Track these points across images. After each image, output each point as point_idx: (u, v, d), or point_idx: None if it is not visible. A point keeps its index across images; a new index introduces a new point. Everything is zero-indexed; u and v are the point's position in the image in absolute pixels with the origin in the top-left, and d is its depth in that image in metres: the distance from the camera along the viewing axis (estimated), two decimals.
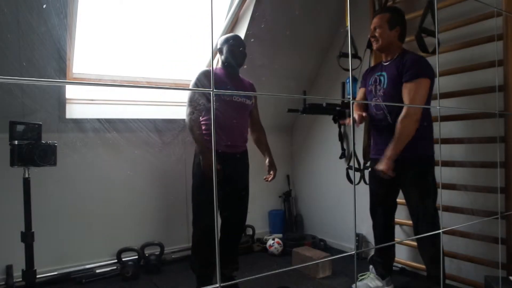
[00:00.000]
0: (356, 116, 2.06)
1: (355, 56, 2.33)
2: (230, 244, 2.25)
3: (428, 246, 1.97)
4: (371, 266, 2.26)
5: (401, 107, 1.89)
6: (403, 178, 1.99)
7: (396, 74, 1.93)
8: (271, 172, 2.29)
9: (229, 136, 2.12)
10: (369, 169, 2.23)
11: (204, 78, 2.10)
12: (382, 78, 2.02)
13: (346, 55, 2.30)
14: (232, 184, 2.16)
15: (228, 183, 2.11)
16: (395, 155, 1.86)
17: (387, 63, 2.04)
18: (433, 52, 2.00)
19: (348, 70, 2.31)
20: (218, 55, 2.24)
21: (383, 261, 2.20)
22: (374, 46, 2.04)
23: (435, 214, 1.91)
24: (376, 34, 1.98)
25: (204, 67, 2.22)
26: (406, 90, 1.87)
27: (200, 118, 2.14)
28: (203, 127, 2.14)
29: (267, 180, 2.28)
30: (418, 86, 1.84)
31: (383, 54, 2.07)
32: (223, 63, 2.20)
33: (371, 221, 2.24)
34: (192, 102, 2.10)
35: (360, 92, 2.26)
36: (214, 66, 2.23)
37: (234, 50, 2.17)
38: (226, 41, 2.19)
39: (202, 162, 2.05)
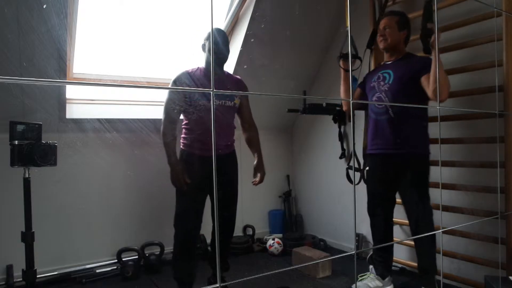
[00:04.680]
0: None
1: (355, 56, 2.33)
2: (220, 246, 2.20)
3: (423, 242, 2.02)
4: (371, 266, 2.27)
5: (405, 102, 1.99)
6: (400, 176, 2.05)
7: (405, 71, 2.01)
8: (258, 175, 2.17)
9: (208, 140, 2.04)
10: (367, 168, 2.24)
11: (183, 81, 2.01)
12: (387, 75, 2.09)
13: (347, 56, 2.29)
14: (218, 186, 2.13)
15: (212, 186, 2.08)
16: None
17: (390, 62, 2.12)
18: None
19: (349, 70, 2.32)
20: (202, 53, 2.13)
21: (383, 261, 2.21)
22: (382, 45, 2.11)
23: (430, 211, 1.99)
24: (386, 34, 2.07)
25: (186, 68, 2.10)
26: (428, 78, 1.93)
27: (183, 122, 2.08)
28: (184, 131, 2.09)
29: (254, 184, 2.17)
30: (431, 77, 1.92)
31: (387, 54, 2.14)
32: (206, 61, 2.10)
33: (370, 220, 2.24)
34: (169, 107, 2.00)
35: (356, 90, 2.31)
36: (197, 66, 2.13)
37: (218, 46, 2.05)
38: (209, 36, 2.09)
39: (170, 173, 2.01)
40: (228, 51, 2.14)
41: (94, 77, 2.73)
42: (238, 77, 2.26)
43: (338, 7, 2.89)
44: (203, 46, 2.11)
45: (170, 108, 2.01)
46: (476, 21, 2.05)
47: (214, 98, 1.98)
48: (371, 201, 2.21)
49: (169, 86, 2.18)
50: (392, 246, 2.28)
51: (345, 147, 3.04)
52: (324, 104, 2.93)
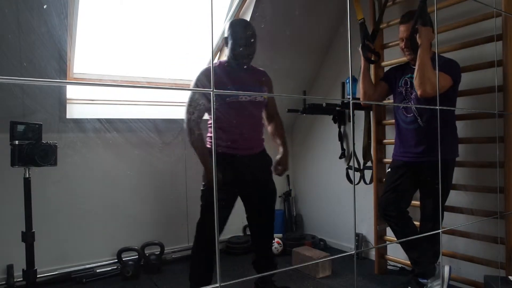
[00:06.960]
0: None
1: (374, 51, 2.28)
2: (260, 247, 2.19)
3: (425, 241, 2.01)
4: (422, 280, 2.09)
5: (433, 111, 1.93)
6: (424, 180, 2.04)
7: None
8: (279, 168, 2.06)
9: (240, 138, 1.98)
10: (389, 169, 2.23)
11: (204, 77, 1.92)
12: (413, 80, 2.04)
13: (367, 47, 2.24)
14: (251, 185, 2.05)
15: (246, 185, 2.02)
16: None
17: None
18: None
19: (373, 62, 2.28)
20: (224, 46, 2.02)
21: (424, 261, 2.06)
22: (408, 57, 2.06)
23: (442, 215, 1.99)
24: (409, 46, 1.99)
25: (204, 66, 1.99)
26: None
27: (208, 121, 2.01)
28: (210, 130, 2.02)
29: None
30: (439, 76, 1.87)
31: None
32: (228, 55, 1.99)
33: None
34: (192, 103, 1.90)
35: (379, 84, 2.25)
36: (218, 60, 2.06)
37: (241, 38, 1.93)
38: (231, 27, 1.96)
39: (205, 173, 1.89)
40: (251, 44, 1.96)
41: (94, 77, 2.73)
42: (263, 72, 2.15)
43: (338, 7, 2.89)
44: (226, 39, 1.99)
45: (193, 106, 1.90)
46: (476, 21, 2.05)
47: (214, 98, 1.93)
48: (386, 201, 2.12)
49: (192, 84, 2.00)
50: (419, 241, 2.08)
51: (345, 147, 3.04)
52: (324, 104, 2.93)
